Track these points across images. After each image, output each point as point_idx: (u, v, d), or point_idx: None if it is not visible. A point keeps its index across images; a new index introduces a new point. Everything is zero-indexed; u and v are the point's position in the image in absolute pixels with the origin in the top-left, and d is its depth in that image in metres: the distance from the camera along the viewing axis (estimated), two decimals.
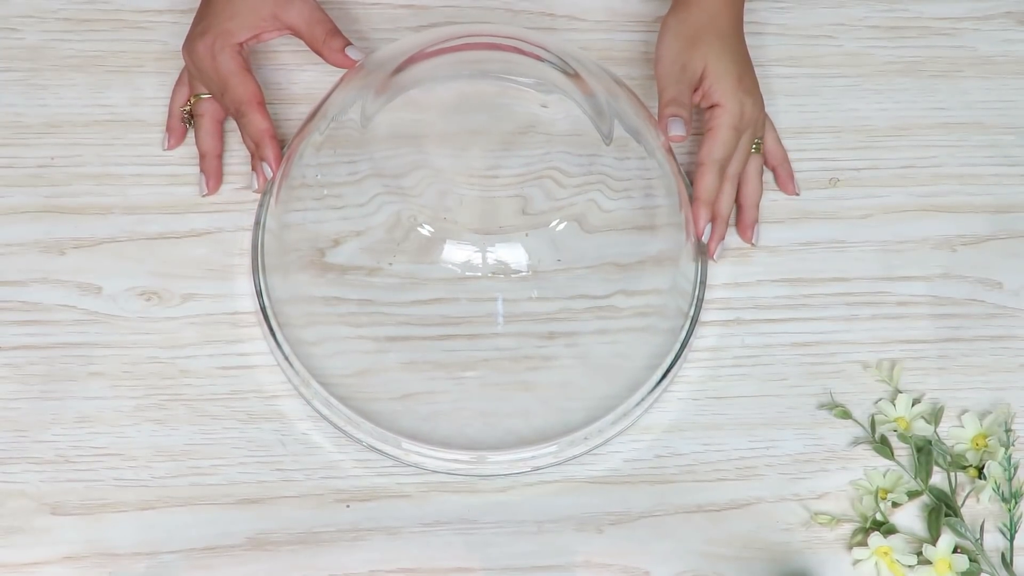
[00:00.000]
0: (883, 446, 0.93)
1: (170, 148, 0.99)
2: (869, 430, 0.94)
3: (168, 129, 0.99)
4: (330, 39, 0.96)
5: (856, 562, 0.91)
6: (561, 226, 0.90)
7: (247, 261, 0.96)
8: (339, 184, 0.92)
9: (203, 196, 0.98)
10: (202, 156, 0.98)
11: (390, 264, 0.91)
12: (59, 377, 0.93)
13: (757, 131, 0.98)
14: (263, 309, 0.93)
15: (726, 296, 0.98)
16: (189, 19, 0.98)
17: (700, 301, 0.95)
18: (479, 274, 0.90)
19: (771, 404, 0.95)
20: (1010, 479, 0.91)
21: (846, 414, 0.94)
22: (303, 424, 0.93)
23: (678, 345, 0.94)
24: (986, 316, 0.98)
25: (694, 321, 0.94)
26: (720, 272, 0.98)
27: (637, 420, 0.93)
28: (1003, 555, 0.91)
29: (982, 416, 0.94)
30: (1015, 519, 0.91)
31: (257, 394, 0.94)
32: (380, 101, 0.90)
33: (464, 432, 0.92)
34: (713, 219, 0.96)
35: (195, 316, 0.95)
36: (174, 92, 1.00)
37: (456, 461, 0.92)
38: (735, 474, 0.93)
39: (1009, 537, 0.91)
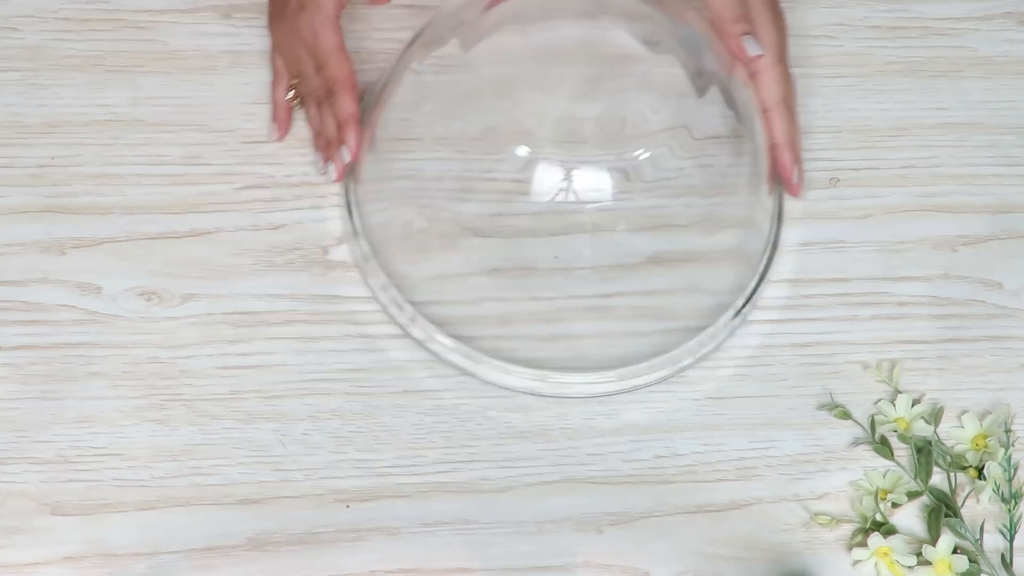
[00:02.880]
0: (883, 446, 0.93)
1: (280, 139, 0.99)
2: (869, 430, 0.94)
3: (275, 120, 0.99)
4: None
5: (856, 563, 0.91)
6: (645, 156, 0.91)
7: (247, 261, 0.96)
8: (437, 119, 0.95)
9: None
10: (316, 135, 0.98)
11: (485, 186, 0.93)
12: (59, 377, 0.93)
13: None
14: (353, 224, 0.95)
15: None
16: (189, 19, 0.99)
17: (778, 235, 0.97)
18: (566, 199, 0.92)
19: (771, 404, 0.95)
20: (1010, 480, 0.91)
21: (846, 414, 0.94)
22: (303, 424, 0.93)
23: (757, 277, 0.96)
24: (986, 316, 0.98)
25: (774, 250, 0.97)
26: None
27: (718, 347, 0.95)
28: (1003, 556, 0.91)
29: (982, 416, 0.94)
30: (1015, 520, 0.91)
31: (257, 394, 0.94)
32: (475, 36, 0.93)
33: (540, 355, 0.93)
34: (795, 159, 0.97)
35: (195, 316, 0.95)
36: (273, 88, 1.00)
37: (533, 380, 0.93)
38: (735, 474, 0.93)
39: (1009, 538, 0.91)
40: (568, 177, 0.92)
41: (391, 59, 0.98)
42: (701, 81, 0.93)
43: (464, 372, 0.94)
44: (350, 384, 0.94)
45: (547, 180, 0.92)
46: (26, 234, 0.97)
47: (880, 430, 0.94)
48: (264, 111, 1.00)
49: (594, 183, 0.92)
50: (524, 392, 0.94)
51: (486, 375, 0.94)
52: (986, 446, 0.93)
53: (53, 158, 0.99)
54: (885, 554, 0.90)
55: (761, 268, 0.97)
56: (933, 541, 0.90)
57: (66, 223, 0.97)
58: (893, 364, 0.96)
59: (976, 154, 1.02)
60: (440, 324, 0.94)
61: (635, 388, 0.95)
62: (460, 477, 0.92)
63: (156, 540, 0.90)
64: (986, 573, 0.90)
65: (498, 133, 0.92)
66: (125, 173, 0.99)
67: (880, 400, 0.95)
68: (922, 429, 0.93)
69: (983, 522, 0.92)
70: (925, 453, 0.93)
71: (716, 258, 0.96)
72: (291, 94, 0.99)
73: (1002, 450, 0.92)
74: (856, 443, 0.94)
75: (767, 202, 0.98)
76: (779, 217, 0.98)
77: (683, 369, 0.95)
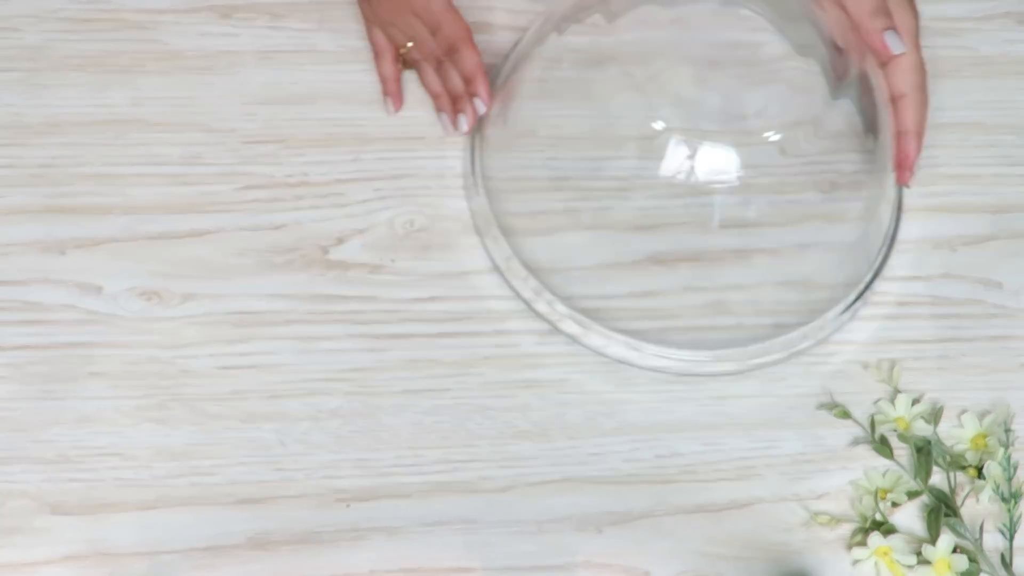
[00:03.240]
0: (883, 446, 0.93)
1: (397, 110, 1.00)
2: (869, 430, 0.94)
3: (388, 94, 1.00)
4: None
5: (856, 562, 0.91)
6: (775, 139, 0.91)
7: (247, 261, 0.96)
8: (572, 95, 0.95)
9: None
10: (436, 96, 0.99)
11: (615, 163, 0.94)
12: (59, 377, 0.93)
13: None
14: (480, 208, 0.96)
15: None
16: (189, 19, 0.98)
17: (896, 231, 0.98)
18: (691, 178, 0.92)
19: (771, 404, 0.95)
20: (1009, 479, 0.91)
21: (846, 414, 0.94)
22: (303, 424, 0.93)
23: (872, 272, 0.96)
24: (986, 316, 0.98)
25: (891, 245, 0.97)
26: None
27: (819, 341, 0.95)
28: (1002, 555, 0.91)
29: (982, 416, 0.94)
30: (1015, 519, 0.91)
31: (257, 394, 0.94)
32: (617, 12, 0.93)
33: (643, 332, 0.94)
34: (919, 149, 0.96)
35: (195, 316, 0.95)
36: (377, 63, 1.00)
37: (628, 349, 0.94)
38: (735, 474, 0.93)
39: (1008, 537, 0.91)
40: (693, 160, 0.91)
41: (513, 38, 1.00)
42: (837, 81, 0.92)
43: (563, 333, 0.95)
44: (350, 384, 0.94)
45: (674, 163, 0.91)
46: (26, 234, 0.97)
47: (880, 430, 0.94)
48: (263, 111, 1.00)
49: (720, 167, 0.92)
50: (620, 361, 0.95)
51: (589, 340, 0.95)
52: (986, 445, 0.93)
53: (54, 158, 0.99)
54: (885, 553, 0.90)
55: (877, 263, 0.97)
56: (933, 540, 0.90)
57: (66, 223, 0.97)
58: (893, 364, 0.96)
59: (976, 154, 1.02)
60: (558, 294, 0.95)
61: (729, 373, 0.95)
62: (460, 477, 0.92)
63: (156, 540, 0.90)
64: (986, 572, 0.90)
65: (632, 114, 0.92)
66: (125, 173, 0.99)
67: (880, 400, 0.95)
68: (922, 429, 0.93)
69: (983, 521, 0.92)
70: (925, 452, 0.93)
71: (831, 251, 0.96)
72: (401, 63, 1.00)
73: (1002, 449, 0.92)
74: (856, 443, 0.94)
75: (891, 197, 0.98)
76: (899, 211, 0.99)
77: (778, 361, 0.95)
